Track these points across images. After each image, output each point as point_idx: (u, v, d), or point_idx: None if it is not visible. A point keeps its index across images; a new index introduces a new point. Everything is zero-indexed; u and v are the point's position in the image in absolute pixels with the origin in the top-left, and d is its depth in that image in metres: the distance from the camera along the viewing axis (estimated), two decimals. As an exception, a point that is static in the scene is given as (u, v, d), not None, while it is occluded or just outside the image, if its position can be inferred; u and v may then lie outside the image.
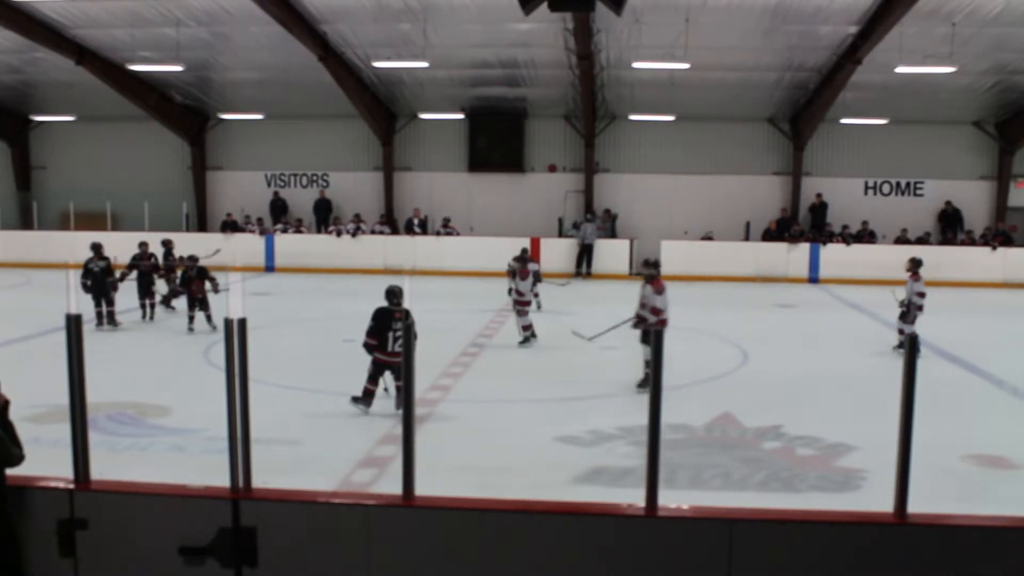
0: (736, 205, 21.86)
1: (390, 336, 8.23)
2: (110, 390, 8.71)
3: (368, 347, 8.35)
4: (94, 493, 3.58)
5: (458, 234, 21.42)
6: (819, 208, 21.61)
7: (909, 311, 11.37)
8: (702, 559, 3.38)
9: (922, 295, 11.40)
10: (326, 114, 22.15)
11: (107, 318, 12.79)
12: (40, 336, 11.64)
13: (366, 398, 8.40)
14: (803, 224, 21.52)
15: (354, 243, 21.48)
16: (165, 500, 3.65)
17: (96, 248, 13.11)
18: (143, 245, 14.20)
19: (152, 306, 13.76)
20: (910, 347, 3.30)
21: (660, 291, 9.33)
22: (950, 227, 21.31)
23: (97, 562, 3.54)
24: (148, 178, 23.19)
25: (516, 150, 22.34)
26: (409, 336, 3.60)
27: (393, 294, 8.39)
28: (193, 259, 12.91)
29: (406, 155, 22.93)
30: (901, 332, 11.41)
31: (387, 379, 8.56)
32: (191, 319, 12.57)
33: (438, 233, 21.58)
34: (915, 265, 11.62)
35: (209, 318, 12.53)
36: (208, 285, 12.61)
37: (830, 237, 20.96)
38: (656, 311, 9.22)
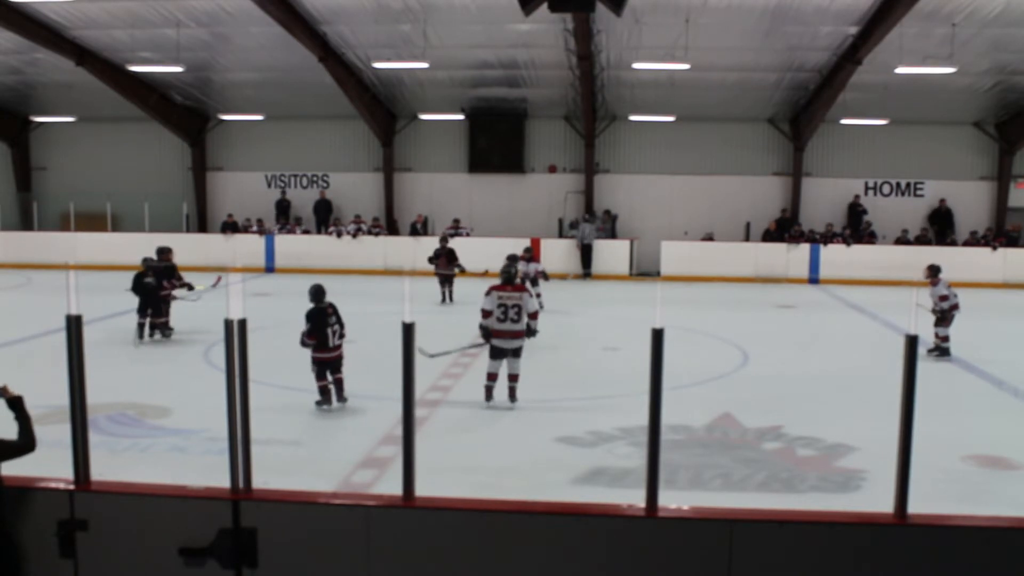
0: (736, 205, 21.87)
1: (329, 332, 8.54)
2: (110, 391, 8.72)
3: (306, 345, 8.53)
4: (94, 494, 3.58)
5: (467, 234, 21.34)
6: (857, 210, 21.55)
7: (943, 316, 11.42)
8: (702, 559, 3.38)
9: (944, 298, 11.41)
10: (326, 115, 22.17)
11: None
12: (40, 337, 11.65)
13: (325, 396, 8.62)
14: (836, 224, 21.35)
15: (354, 244, 21.48)
16: (165, 501, 3.65)
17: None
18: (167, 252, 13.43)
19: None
20: (910, 348, 3.30)
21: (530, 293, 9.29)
22: (942, 228, 21.25)
23: (97, 563, 3.54)
24: (148, 179, 23.20)
25: (516, 151, 22.34)
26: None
27: (318, 293, 8.73)
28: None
29: (406, 156, 22.94)
30: (937, 336, 11.47)
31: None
32: None
33: (448, 234, 21.41)
34: (931, 272, 11.64)
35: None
36: None
37: (831, 238, 20.95)
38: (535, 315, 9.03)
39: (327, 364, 8.60)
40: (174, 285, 12.48)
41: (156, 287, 12.23)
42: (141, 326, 12.21)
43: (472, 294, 14.04)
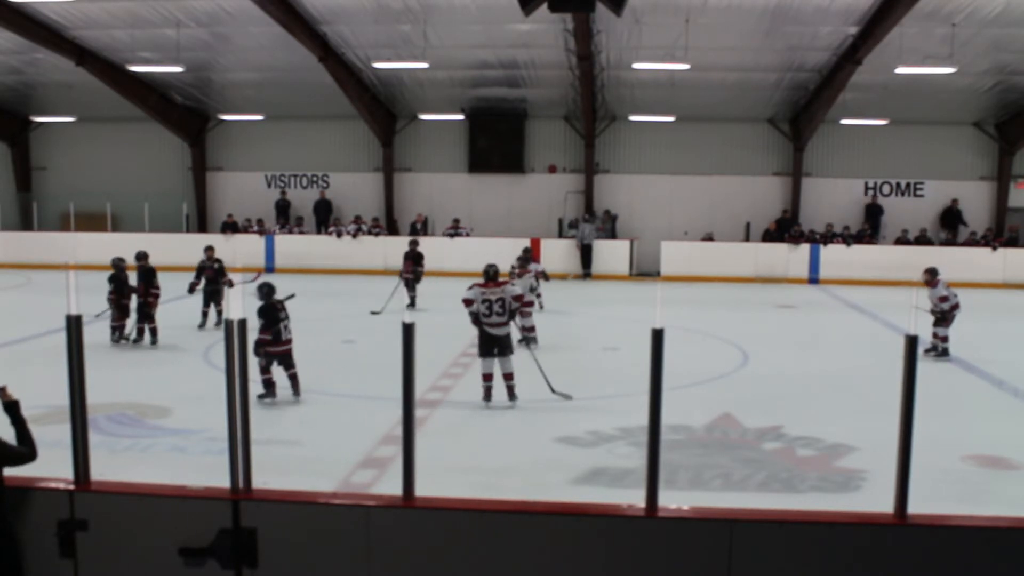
0: (736, 205, 21.88)
1: (281, 327, 8.83)
2: (110, 391, 8.73)
3: (261, 343, 8.64)
4: (94, 494, 3.57)
5: (467, 234, 21.34)
6: (874, 209, 21.56)
7: (944, 317, 11.41)
8: (702, 559, 3.38)
9: (944, 299, 11.39)
10: (326, 115, 22.17)
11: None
12: (40, 337, 11.65)
13: (269, 389, 8.79)
14: (839, 224, 21.29)
15: (354, 244, 21.48)
16: (165, 501, 3.64)
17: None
18: (209, 250, 13.59)
19: (212, 314, 13.29)
20: (910, 348, 3.30)
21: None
22: (951, 227, 21.30)
23: (97, 563, 3.54)
24: (148, 179, 23.22)
25: (516, 151, 22.34)
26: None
27: (270, 291, 8.97)
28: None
29: (406, 156, 22.94)
30: (935, 336, 11.46)
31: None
32: None
33: (448, 234, 21.43)
34: (929, 274, 11.61)
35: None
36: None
37: (831, 238, 20.96)
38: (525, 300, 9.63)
39: (277, 357, 8.84)
40: (149, 292, 12.09)
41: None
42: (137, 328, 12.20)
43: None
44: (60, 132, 23.65)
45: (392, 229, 22.48)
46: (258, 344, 8.64)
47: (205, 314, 13.30)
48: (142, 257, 12.45)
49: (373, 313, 14.49)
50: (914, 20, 15.32)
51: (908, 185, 21.84)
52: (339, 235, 21.68)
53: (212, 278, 13.20)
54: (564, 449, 7.52)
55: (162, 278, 12.35)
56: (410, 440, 3.51)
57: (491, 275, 9.18)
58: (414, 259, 15.78)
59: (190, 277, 13.31)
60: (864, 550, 3.33)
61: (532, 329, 11.68)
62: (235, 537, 3.46)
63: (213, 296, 13.23)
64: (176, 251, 18.11)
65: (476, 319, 8.93)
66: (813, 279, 20.49)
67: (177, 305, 13.67)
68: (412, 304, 15.41)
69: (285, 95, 21.31)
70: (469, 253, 19.17)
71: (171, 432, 7.84)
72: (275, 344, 8.79)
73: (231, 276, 13.40)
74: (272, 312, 8.83)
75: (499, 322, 8.91)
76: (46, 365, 7.86)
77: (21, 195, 23.91)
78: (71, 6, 16.84)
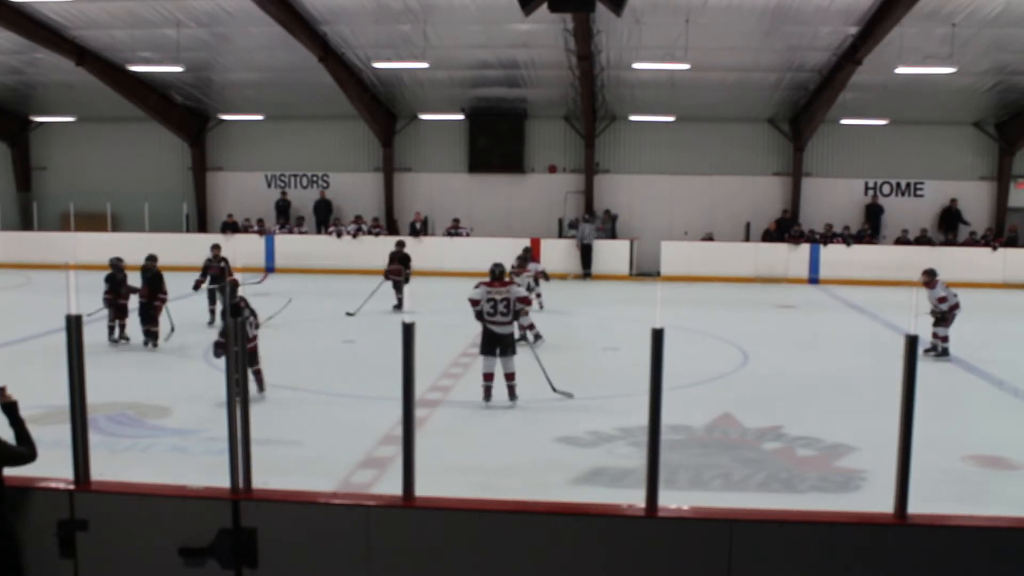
0: (736, 205, 21.88)
1: (246, 325, 8.68)
2: (110, 391, 8.72)
3: (220, 345, 8.54)
4: (94, 494, 3.58)
5: (467, 234, 21.37)
6: (875, 210, 21.54)
7: (943, 317, 11.41)
8: (702, 559, 3.38)
9: (943, 300, 11.39)
10: (326, 115, 22.16)
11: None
12: (40, 337, 11.65)
13: (237, 387, 8.73)
14: (838, 224, 21.25)
15: (354, 244, 21.48)
16: (165, 501, 3.65)
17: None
18: (215, 248, 13.79)
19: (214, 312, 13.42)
20: (910, 348, 3.30)
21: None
22: (950, 227, 21.31)
23: (97, 563, 3.54)
24: (148, 179, 23.21)
25: (516, 151, 22.34)
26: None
27: (232, 290, 9.11)
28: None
29: (406, 156, 22.94)
30: (935, 336, 11.46)
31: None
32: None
33: (448, 233, 21.45)
34: (927, 276, 11.61)
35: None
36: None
37: (831, 238, 20.96)
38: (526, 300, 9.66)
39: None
40: (156, 297, 12.04)
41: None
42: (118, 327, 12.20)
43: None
44: (60, 132, 23.64)
45: (392, 229, 22.46)
46: (217, 346, 8.69)
47: (213, 312, 13.42)
48: (151, 259, 12.33)
49: (348, 315, 14.41)
50: (914, 20, 15.32)
51: (908, 185, 21.83)
52: (339, 235, 21.67)
53: (218, 276, 13.23)
54: (564, 449, 7.52)
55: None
56: (410, 440, 3.52)
57: (497, 274, 9.20)
58: (401, 261, 15.60)
59: (191, 278, 13.34)
60: (864, 550, 3.33)
61: (532, 327, 11.71)
62: (235, 537, 3.46)
63: (218, 293, 13.30)
64: (176, 251, 18.09)
65: (480, 315, 8.95)
66: (813, 279, 20.49)
67: (177, 305, 13.64)
68: (399, 306, 15.23)
69: (285, 95, 21.30)
70: (469, 253, 19.17)
71: (171, 432, 7.84)
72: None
73: (236, 276, 13.44)
74: (235, 311, 8.79)
75: (503, 321, 8.92)
76: (46, 365, 7.87)
77: (21, 195, 23.90)
78: (71, 6, 16.84)
